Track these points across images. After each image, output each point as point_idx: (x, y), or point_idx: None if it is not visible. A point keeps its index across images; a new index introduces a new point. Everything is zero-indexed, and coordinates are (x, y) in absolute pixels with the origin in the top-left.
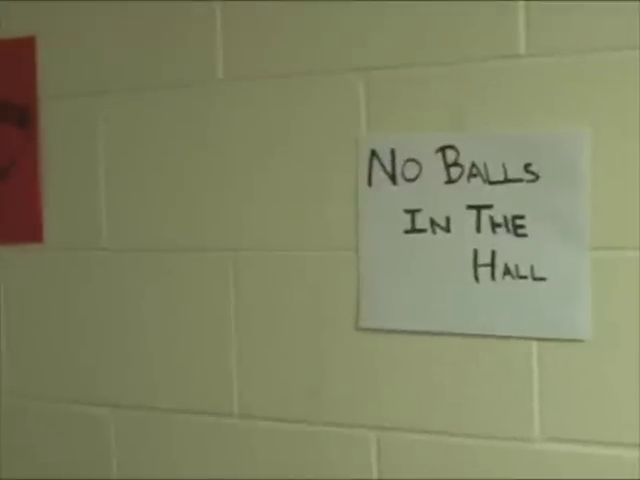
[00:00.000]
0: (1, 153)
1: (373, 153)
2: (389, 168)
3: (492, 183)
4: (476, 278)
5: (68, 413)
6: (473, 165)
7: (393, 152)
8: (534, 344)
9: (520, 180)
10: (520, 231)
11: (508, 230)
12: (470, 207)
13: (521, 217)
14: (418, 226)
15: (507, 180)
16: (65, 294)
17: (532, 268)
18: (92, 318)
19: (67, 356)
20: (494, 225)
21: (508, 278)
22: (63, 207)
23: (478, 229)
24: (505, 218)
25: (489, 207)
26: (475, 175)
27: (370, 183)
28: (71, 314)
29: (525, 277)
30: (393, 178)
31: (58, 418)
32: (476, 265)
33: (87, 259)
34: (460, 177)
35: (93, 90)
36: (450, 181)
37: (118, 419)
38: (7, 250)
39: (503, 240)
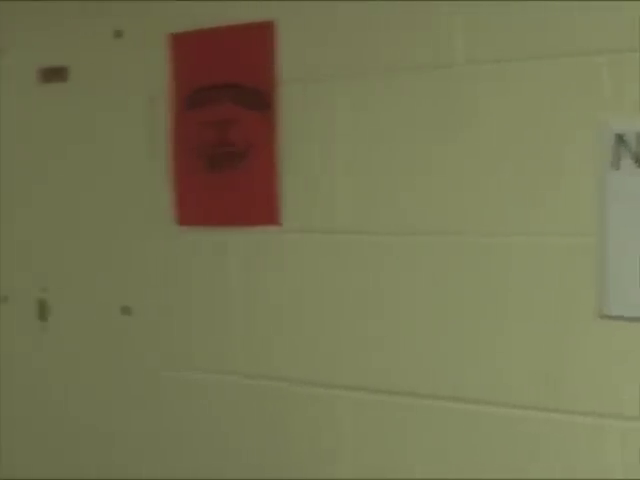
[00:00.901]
0: (240, 137)
1: (619, 137)
2: (636, 152)
3: None
4: None
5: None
6: None
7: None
8: None
9: None
10: None
11: None
12: None
13: None
14: None
15: None
16: (300, 276)
17: None
18: (318, 300)
19: (288, 334)
20: None
21: None
22: (300, 190)
23: None
24: None
25: None
26: None
27: (616, 167)
28: (304, 295)
29: None
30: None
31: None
32: None
33: (323, 242)
34: None
35: (331, 74)
36: None
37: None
38: (245, 232)
39: None
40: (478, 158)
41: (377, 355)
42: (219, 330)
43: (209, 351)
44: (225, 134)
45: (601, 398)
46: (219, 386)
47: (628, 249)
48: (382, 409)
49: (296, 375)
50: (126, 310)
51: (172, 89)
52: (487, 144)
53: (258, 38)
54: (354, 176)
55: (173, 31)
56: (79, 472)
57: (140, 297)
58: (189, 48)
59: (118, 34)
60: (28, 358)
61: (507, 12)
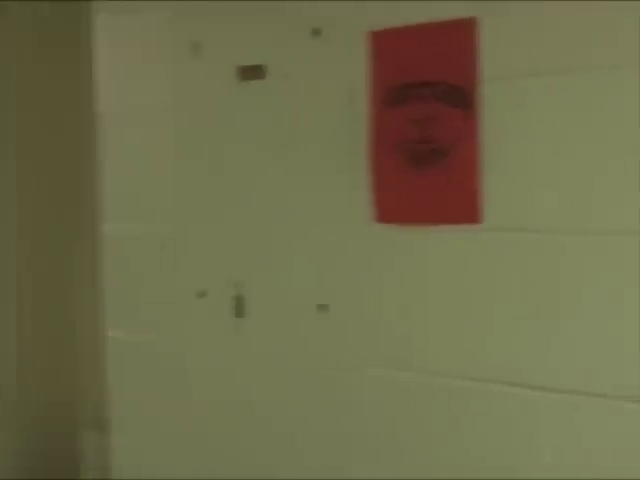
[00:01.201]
0: (443, 134)
1: None
2: None
3: None
4: None
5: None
6: None
7: None
8: None
9: None
10: None
11: None
12: None
13: None
14: None
15: None
16: (499, 274)
17: None
18: (516, 299)
19: (488, 333)
20: None
21: None
22: (500, 188)
23: None
24: None
25: None
26: None
27: None
28: (503, 294)
29: None
30: None
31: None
32: None
33: (523, 240)
34: None
35: (532, 72)
36: None
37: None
38: (444, 230)
39: None
40: None
41: (572, 356)
42: (416, 328)
43: (406, 349)
44: (427, 131)
45: None
46: (414, 384)
47: None
48: (579, 410)
49: (493, 375)
50: (322, 308)
51: (372, 86)
52: None
53: (460, 35)
54: (555, 174)
55: (372, 29)
56: (275, 473)
57: (337, 295)
58: (389, 45)
59: (316, 32)
60: (223, 355)
61: None
